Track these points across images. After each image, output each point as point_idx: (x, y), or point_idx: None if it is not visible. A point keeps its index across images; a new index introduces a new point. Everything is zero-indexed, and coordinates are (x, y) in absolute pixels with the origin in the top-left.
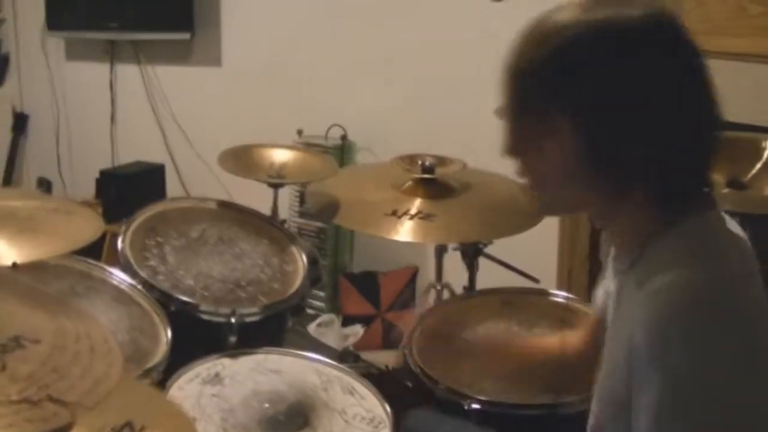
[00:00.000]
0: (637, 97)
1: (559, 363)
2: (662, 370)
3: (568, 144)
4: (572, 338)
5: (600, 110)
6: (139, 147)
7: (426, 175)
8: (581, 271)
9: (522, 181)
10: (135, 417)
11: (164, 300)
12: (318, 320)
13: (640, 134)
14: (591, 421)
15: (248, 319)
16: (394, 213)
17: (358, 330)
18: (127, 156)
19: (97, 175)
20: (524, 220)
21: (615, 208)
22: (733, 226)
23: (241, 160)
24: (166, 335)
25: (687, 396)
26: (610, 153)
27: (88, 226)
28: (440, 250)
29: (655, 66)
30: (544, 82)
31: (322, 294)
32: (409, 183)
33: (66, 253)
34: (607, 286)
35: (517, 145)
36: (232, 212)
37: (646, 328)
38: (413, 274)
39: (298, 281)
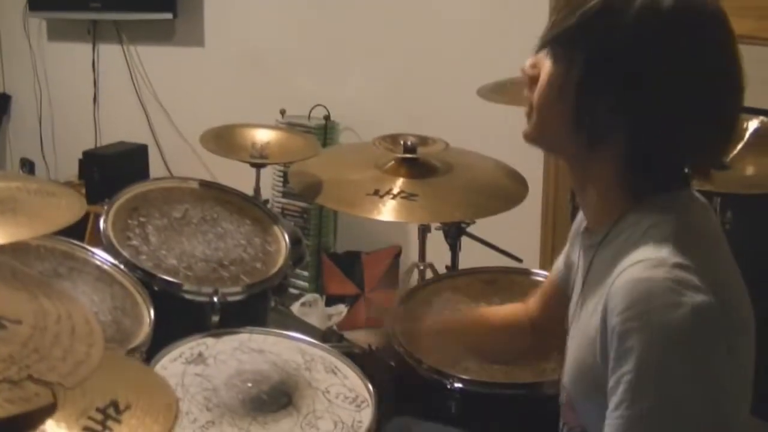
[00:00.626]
0: (643, 71)
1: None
2: (642, 344)
3: (570, 78)
4: (530, 304)
5: (607, 67)
6: (122, 127)
7: (408, 155)
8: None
9: (526, 100)
10: (120, 395)
11: (147, 280)
12: (302, 300)
13: (630, 104)
14: (562, 396)
15: (231, 299)
16: (376, 192)
17: (341, 310)
18: (109, 136)
19: (80, 155)
20: (507, 200)
21: (586, 163)
22: (702, 205)
23: (223, 140)
24: (149, 315)
25: (663, 370)
26: (596, 104)
27: (71, 207)
28: (423, 230)
29: (687, 40)
30: (584, 21)
31: (305, 274)
32: (392, 163)
33: (48, 233)
34: (570, 258)
35: (535, 61)
36: (214, 192)
37: (627, 301)
38: (396, 254)
39: (280, 261)
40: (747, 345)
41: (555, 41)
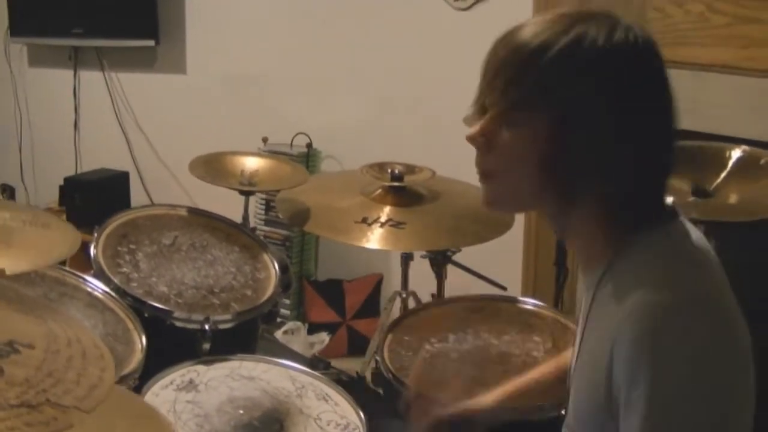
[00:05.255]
0: (608, 114)
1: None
2: (654, 371)
3: (536, 140)
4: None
5: (573, 119)
6: (103, 154)
7: (395, 183)
8: (547, 278)
9: (478, 171)
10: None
11: (137, 306)
12: (284, 327)
13: (602, 149)
14: (568, 421)
15: (221, 326)
16: (364, 220)
17: (323, 337)
18: (90, 163)
19: (60, 182)
20: (493, 228)
21: (565, 215)
22: (696, 234)
23: (212, 167)
24: (141, 342)
25: (675, 397)
26: (567, 159)
27: (65, 240)
28: (406, 258)
29: (630, 85)
30: (540, 78)
31: (287, 302)
32: (379, 191)
33: (43, 266)
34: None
35: (487, 130)
36: (203, 219)
37: (637, 330)
38: (378, 282)
39: (270, 288)
40: (749, 366)
41: (512, 108)
